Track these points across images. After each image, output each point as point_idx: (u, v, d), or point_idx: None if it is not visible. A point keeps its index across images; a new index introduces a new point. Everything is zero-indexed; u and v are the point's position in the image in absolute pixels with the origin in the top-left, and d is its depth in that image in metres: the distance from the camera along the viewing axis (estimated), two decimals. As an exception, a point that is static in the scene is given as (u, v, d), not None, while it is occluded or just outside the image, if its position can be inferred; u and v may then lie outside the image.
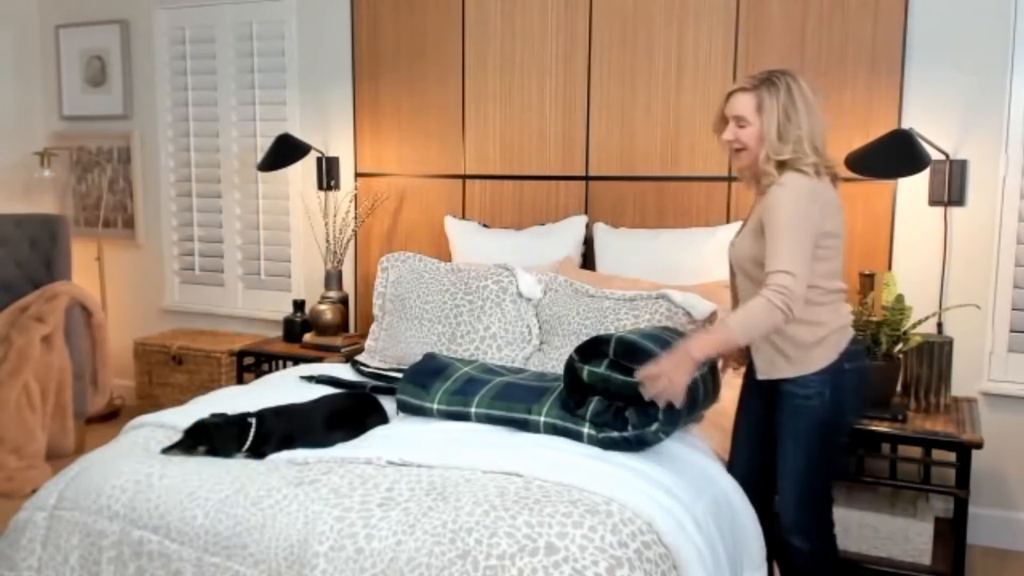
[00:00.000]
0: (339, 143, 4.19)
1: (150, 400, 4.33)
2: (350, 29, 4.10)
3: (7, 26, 4.83)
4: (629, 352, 2.34)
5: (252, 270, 4.54)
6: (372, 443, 2.40)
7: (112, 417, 4.58)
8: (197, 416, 2.44)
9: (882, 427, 2.81)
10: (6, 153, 4.82)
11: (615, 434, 2.31)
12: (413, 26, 3.95)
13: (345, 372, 3.19)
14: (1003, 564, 3.13)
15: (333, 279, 4.04)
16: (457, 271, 3.34)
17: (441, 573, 1.86)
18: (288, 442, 2.40)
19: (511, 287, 3.20)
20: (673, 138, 3.54)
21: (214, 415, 2.43)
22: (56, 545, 2.22)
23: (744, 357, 2.53)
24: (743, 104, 2.28)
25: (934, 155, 3.05)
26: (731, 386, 2.68)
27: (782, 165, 2.25)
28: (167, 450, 2.37)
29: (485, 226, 3.80)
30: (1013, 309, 3.15)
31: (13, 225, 4.29)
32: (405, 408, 2.66)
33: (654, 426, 2.28)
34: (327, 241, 4.05)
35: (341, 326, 3.98)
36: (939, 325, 3.16)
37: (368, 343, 3.49)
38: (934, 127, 3.12)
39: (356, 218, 4.07)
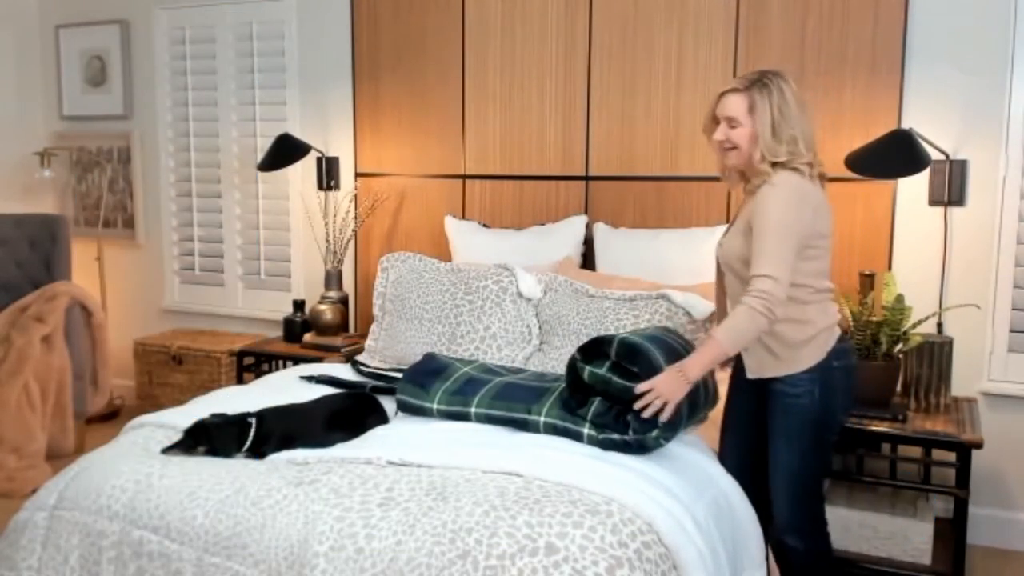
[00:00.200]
0: (339, 143, 4.19)
1: (150, 400, 4.34)
2: (350, 29, 4.10)
3: (7, 26, 4.83)
4: (631, 354, 2.35)
5: (252, 270, 4.54)
6: (372, 443, 2.40)
7: (112, 417, 4.58)
8: (197, 416, 2.44)
9: (882, 427, 2.81)
10: (6, 153, 4.82)
11: (616, 436, 2.31)
12: (413, 26, 3.95)
13: (345, 372, 3.19)
14: (1003, 564, 3.13)
15: (333, 279, 4.04)
16: (457, 271, 3.34)
17: (441, 573, 1.86)
18: (288, 442, 2.40)
19: (511, 287, 3.20)
20: (673, 138, 3.54)
21: (214, 415, 2.43)
22: (56, 545, 2.22)
23: (732, 358, 2.55)
24: (735, 105, 2.29)
25: (934, 155, 3.05)
26: (726, 383, 2.69)
27: (776, 165, 2.25)
28: (167, 450, 2.37)
29: (485, 226, 3.80)
30: (1013, 309, 3.15)
31: (13, 225, 4.29)
32: (405, 408, 2.66)
33: (655, 432, 2.29)
34: (327, 241, 4.05)
35: (341, 326, 3.98)
36: (939, 325, 3.16)
37: (368, 343, 3.49)
38: (934, 127, 3.12)
39: (356, 218, 4.07)
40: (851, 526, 2.92)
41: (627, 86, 3.59)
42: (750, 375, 2.37)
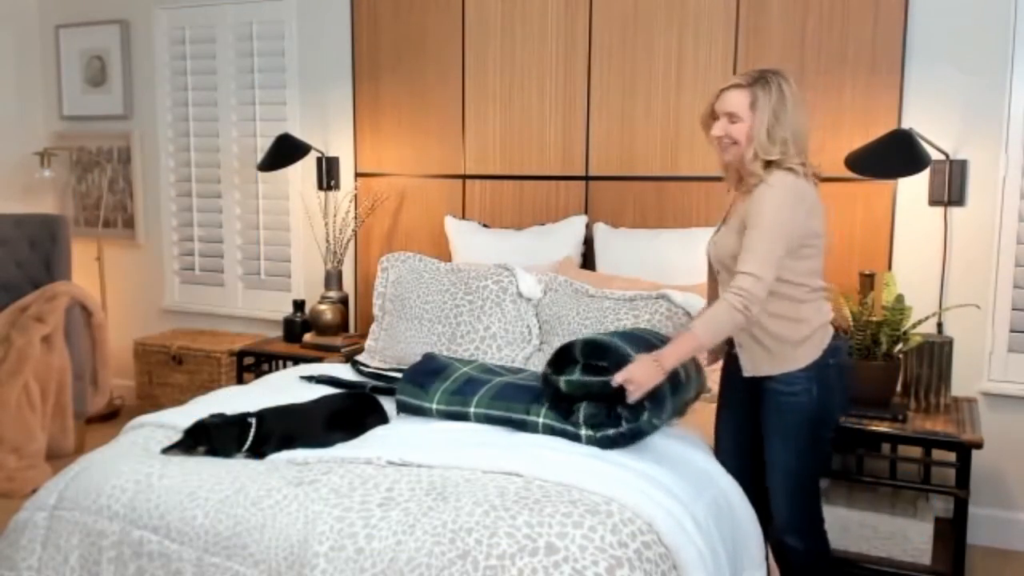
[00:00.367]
0: (339, 143, 4.19)
1: (150, 400, 4.33)
2: (350, 29, 4.10)
3: (7, 26, 4.83)
4: (596, 351, 2.38)
5: (252, 270, 4.54)
6: (372, 443, 2.40)
7: (112, 417, 4.58)
8: (197, 416, 2.44)
9: (882, 427, 2.81)
10: (6, 153, 4.82)
11: (611, 431, 2.32)
12: (413, 26, 3.95)
13: (345, 372, 3.19)
14: (1003, 564, 3.13)
15: (333, 279, 4.04)
16: (457, 271, 3.34)
17: (441, 573, 1.86)
18: (288, 442, 2.40)
19: (511, 287, 3.20)
20: (673, 138, 3.54)
21: (214, 415, 2.43)
22: (56, 545, 2.22)
23: (720, 352, 2.55)
24: (737, 100, 2.28)
25: (934, 155, 3.05)
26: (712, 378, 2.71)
27: (769, 164, 2.26)
28: (167, 450, 2.37)
29: (485, 226, 3.80)
30: (1013, 309, 3.15)
31: (13, 225, 4.29)
32: (405, 408, 2.66)
33: (644, 415, 2.30)
34: (327, 241, 4.05)
35: (341, 326, 3.98)
36: (939, 325, 3.16)
37: (368, 343, 3.49)
38: (934, 127, 3.12)
39: (356, 218, 4.07)
40: (851, 526, 2.92)
41: (627, 86, 3.59)
42: (746, 374, 2.37)
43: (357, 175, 4.14)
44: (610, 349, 2.36)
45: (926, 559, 2.85)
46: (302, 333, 4.00)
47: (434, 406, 2.60)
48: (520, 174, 3.81)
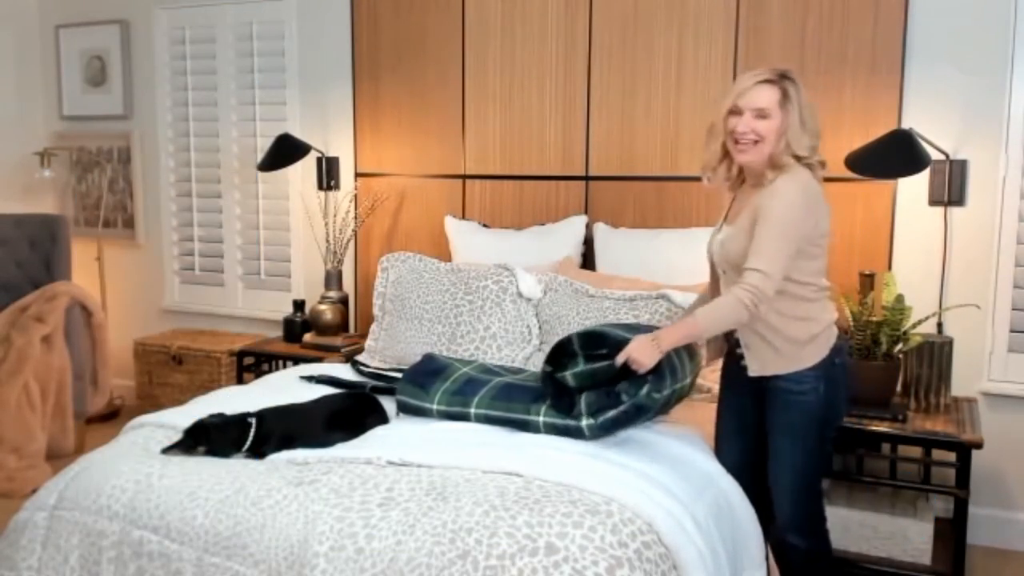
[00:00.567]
0: (339, 143, 4.19)
1: (150, 400, 4.33)
2: (350, 29, 4.10)
3: (7, 26, 4.83)
4: (595, 340, 2.41)
5: (252, 270, 4.54)
6: (372, 443, 2.40)
7: (112, 417, 4.58)
8: (197, 416, 2.44)
9: (882, 427, 2.81)
10: (6, 153, 4.82)
11: (612, 412, 2.33)
12: (413, 26, 3.95)
13: (345, 372, 3.19)
14: (1003, 564, 3.13)
15: (333, 279, 4.04)
16: (457, 271, 3.34)
17: (441, 573, 1.86)
18: (288, 442, 2.40)
19: (511, 287, 3.20)
20: (673, 138, 3.54)
21: (214, 415, 2.43)
22: (56, 545, 2.22)
23: (719, 352, 2.55)
24: (767, 96, 2.23)
25: (934, 155, 3.05)
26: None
27: (794, 160, 2.24)
28: (167, 450, 2.37)
29: (485, 226, 3.80)
30: (1013, 309, 3.15)
31: (13, 225, 4.29)
32: (405, 408, 2.66)
33: (645, 388, 2.31)
34: (327, 241, 4.05)
35: (341, 326, 3.98)
36: (939, 325, 3.16)
37: (368, 343, 3.49)
38: (934, 127, 3.12)
39: (356, 218, 4.07)
40: (851, 526, 2.92)
41: (627, 86, 3.59)
42: (752, 373, 2.35)
43: (357, 175, 4.14)
44: (607, 336, 2.39)
45: (926, 559, 2.85)
46: (302, 333, 4.00)
47: (435, 406, 2.60)
48: (520, 174, 3.81)
